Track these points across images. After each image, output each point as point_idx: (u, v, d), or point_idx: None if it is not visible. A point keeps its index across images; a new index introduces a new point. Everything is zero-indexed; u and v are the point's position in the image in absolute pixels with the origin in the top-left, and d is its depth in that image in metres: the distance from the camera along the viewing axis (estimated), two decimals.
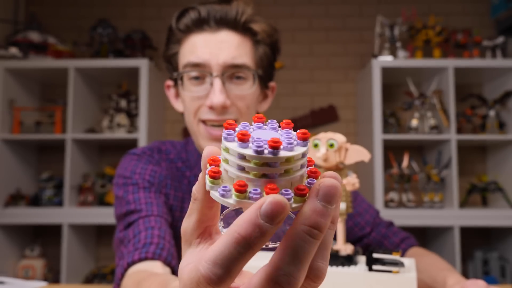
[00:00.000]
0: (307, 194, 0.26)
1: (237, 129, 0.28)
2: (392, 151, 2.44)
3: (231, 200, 0.26)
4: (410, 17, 2.47)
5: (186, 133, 2.65)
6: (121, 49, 2.57)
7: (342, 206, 0.66)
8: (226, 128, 0.28)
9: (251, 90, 0.85)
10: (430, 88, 2.41)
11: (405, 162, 2.38)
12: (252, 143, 0.26)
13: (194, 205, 0.31)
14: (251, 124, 0.29)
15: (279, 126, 0.29)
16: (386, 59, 2.37)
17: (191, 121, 0.86)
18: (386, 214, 2.18)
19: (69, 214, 2.29)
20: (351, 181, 0.65)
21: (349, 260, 0.65)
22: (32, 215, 2.31)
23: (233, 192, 0.26)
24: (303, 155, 0.27)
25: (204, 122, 0.85)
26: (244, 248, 0.24)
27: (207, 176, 0.27)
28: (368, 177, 2.36)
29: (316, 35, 2.79)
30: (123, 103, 2.49)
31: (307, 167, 0.28)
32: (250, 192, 0.26)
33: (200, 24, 0.83)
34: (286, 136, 0.27)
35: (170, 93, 0.96)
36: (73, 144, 2.37)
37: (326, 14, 2.81)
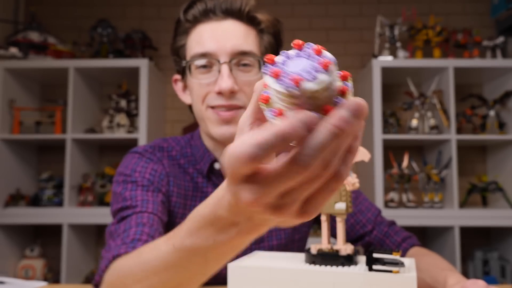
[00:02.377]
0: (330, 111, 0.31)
1: (276, 60, 0.33)
2: (392, 151, 2.44)
3: (275, 121, 0.33)
4: (410, 17, 2.47)
5: (186, 133, 2.65)
6: (121, 49, 2.57)
7: (342, 206, 0.66)
8: (269, 61, 0.33)
9: (257, 77, 0.87)
10: (430, 88, 2.41)
11: (405, 162, 2.38)
12: (281, 80, 0.31)
13: (253, 97, 0.37)
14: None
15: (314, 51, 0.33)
16: (386, 59, 2.37)
17: (200, 108, 0.88)
18: (386, 214, 2.18)
19: (69, 214, 2.29)
20: (351, 181, 0.65)
21: (349, 260, 0.65)
22: (32, 215, 2.31)
23: (276, 117, 0.33)
24: (325, 84, 0.31)
25: (212, 107, 0.86)
26: (279, 139, 0.30)
27: (260, 100, 0.34)
28: (368, 177, 2.36)
29: (316, 35, 2.79)
30: (123, 103, 2.49)
31: (339, 81, 0.33)
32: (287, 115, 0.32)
33: (206, 14, 0.86)
34: (311, 64, 0.31)
35: (178, 87, 0.97)
36: (73, 144, 2.37)
37: (326, 14, 2.81)
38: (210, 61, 0.85)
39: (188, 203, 0.92)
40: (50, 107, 2.58)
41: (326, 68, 0.31)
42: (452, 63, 2.32)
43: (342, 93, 0.33)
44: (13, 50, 2.36)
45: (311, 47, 0.33)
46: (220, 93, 0.84)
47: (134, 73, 2.43)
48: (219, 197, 0.40)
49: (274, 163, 0.32)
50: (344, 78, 0.33)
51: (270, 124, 0.32)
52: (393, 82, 2.66)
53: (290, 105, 0.32)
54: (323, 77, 0.31)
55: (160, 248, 0.51)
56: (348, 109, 0.30)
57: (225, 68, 0.84)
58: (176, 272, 0.50)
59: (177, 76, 0.97)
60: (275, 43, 0.94)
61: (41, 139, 2.46)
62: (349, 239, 1.01)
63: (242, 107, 0.86)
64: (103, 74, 2.57)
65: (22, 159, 2.56)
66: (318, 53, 0.32)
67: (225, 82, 0.83)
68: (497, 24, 2.67)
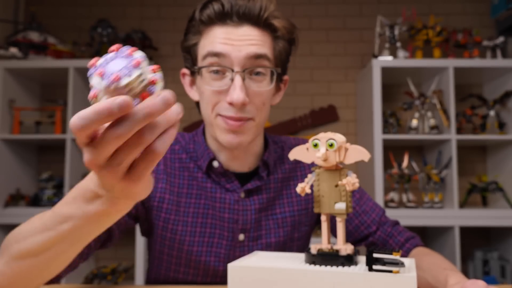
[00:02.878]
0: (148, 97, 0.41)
1: (97, 63, 0.41)
2: (392, 151, 2.44)
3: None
4: (410, 17, 2.47)
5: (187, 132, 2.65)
6: None
7: (342, 206, 0.66)
8: (91, 65, 0.41)
9: (269, 87, 0.87)
10: (430, 88, 2.41)
11: (405, 162, 2.38)
12: (105, 78, 0.40)
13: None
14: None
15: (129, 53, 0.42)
16: (386, 59, 2.37)
17: (209, 114, 0.87)
18: (386, 214, 2.18)
19: None
20: (351, 181, 0.65)
21: (349, 260, 0.65)
22: (32, 215, 2.29)
23: None
24: (138, 77, 0.40)
25: (220, 115, 0.86)
26: (97, 115, 0.39)
27: (90, 97, 0.42)
28: (368, 177, 2.36)
29: (316, 35, 2.79)
30: None
31: (151, 73, 0.42)
32: None
33: (223, 17, 0.84)
34: (127, 64, 0.40)
35: (185, 81, 0.96)
36: (73, 144, 2.37)
37: (326, 14, 2.81)
38: (223, 68, 0.83)
39: (183, 200, 0.92)
40: (50, 107, 2.58)
41: (137, 65, 0.40)
42: (452, 63, 2.32)
43: (153, 83, 0.42)
44: (13, 50, 2.36)
45: (126, 50, 0.41)
46: (231, 104, 0.83)
47: None
48: (91, 173, 0.50)
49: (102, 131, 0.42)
50: (154, 71, 0.42)
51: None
52: (393, 82, 2.66)
53: (112, 96, 0.39)
54: (136, 72, 0.40)
55: (45, 215, 0.60)
56: (160, 96, 0.40)
57: (238, 79, 0.82)
58: (47, 235, 0.57)
59: (185, 71, 0.95)
60: (288, 48, 0.92)
61: (41, 139, 2.46)
62: (353, 239, 1.01)
63: (250, 119, 0.85)
64: None
65: (22, 159, 2.56)
66: (130, 54, 0.41)
67: (237, 94, 0.81)
68: (497, 24, 2.68)
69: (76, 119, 0.40)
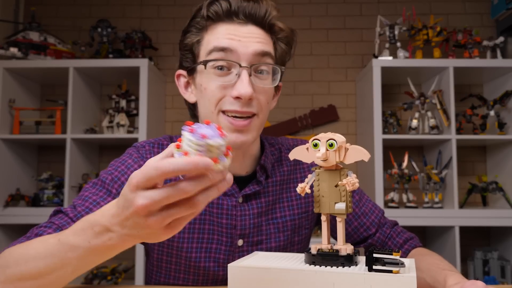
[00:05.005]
0: (217, 163, 0.50)
1: (193, 125, 0.51)
2: (392, 151, 2.44)
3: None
4: (410, 17, 2.47)
5: None
6: (121, 49, 2.57)
7: (342, 206, 0.66)
8: (187, 124, 0.51)
9: (271, 86, 0.87)
10: (430, 88, 2.41)
11: (405, 162, 2.38)
12: (195, 134, 0.49)
13: (164, 152, 0.52)
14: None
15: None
16: (386, 59, 2.37)
17: (211, 111, 0.85)
18: (386, 214, 2.18)
19: None
20: (351, 181, 0.65)
21: (349, 260, 0.65)
22: (32, 215, 2.31)
23: (183, 155, 0.49)
24: (219, 145, 0.50)
25: (223, 112, 0.84)
26: (188, 166, 0.47)
27: (174, 146, 0.51)
28: (368, 177, 2.36)
29: (316, 35, 2.79)
30: (123, 103, 2.49)
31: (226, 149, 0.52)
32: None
33: (229, 15, 0.85)
34: (215, 133, 0.50)
35: (180, 82, 0.94)
36: (73, 144, 2.37)
37: (326, 14, 2.81)
38: (229, 63, 0.83)
39: None
40: (50, 107, 2.58)
41: (222, 136, 0.50)
42: (452, 63, 2.32)
43: (226, 155, 0.51)
44: (13, 50, 2.36)
45: (215, 126, 0.52)
46: (237, 98, 0.82)
47: (134, 73, 2.43)
48: (105, 209, 0.55)
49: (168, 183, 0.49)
50: (228, 148, 0.52)
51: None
52: (393, 82, 2.66)
53: (194, 150, 0.49)
54: (219, 140, 0.50)
55: (48, 240, 0.63)
56: (225, 173, 0.51)
57: (245, 74, 0.82)
58: (51, 261, 0.61)
59: (181, 72, 0.93)
60: (288, 53, 0.93)
61: (41, 139, 2.46)
62: (352, 241, 1.01)
63: (255, 114, 0.85)
64: (103, 74, 2.57)
65: (22, 159, 2.56)
66: (219, 129, 0.51)
67: (245, 88, 0.81)
68: (497, 24, 2.67)
69: (168, 165, 0.46)
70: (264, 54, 0.85)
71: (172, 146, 0.51)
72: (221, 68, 0.83)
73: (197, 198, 0.49)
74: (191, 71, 0.89)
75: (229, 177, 0.51)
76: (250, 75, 0.83)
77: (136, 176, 0.48)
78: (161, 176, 0.47)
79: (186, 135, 0.50)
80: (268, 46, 0.86)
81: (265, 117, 0.89)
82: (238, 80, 0.82)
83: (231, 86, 0.83)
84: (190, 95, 0.92)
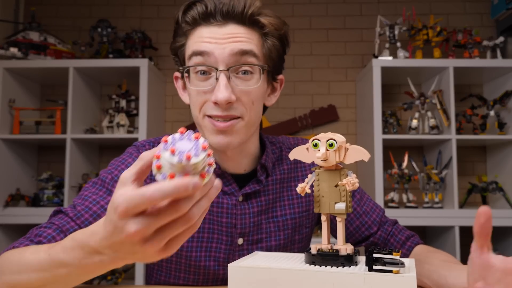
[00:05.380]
0: (205, 178, 0.49)
1: (168, 140, 0.48)
2: (392, 151, 2.44)
3: (166, 180, 0.47)
4: (410, 17, 2.47)
5: None
6: (121, 49, 2.57)
7: (342, 206, 0.66)
8: (164, 141, 0.48)
9: (257, 85, 0.84)
10: (430, 88, 2.41)
11: (405, 162, 2.38)
12: (176, 155, 0.46)
13: (138, 163, 0.50)
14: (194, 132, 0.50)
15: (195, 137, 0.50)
16: (386, 59, 2.37)
17: (197, 115, 0.86)
18: (386, 214, 2.18)
19: None
20: (351, 181, 0.65)
21: (349, 260, 0.65)
22: (32, 215, 2.31)
23: (169, 179, 0.46)
24: (204, 159, 0.48)
25: (209, 116, 0.84)
26: (176, 190, 0.45)
27: (153, 167, 0.48)
28: (368, 177, 2.36)
29: (316, 35, 2.79)
30: (123, 103, 2.49)
31: (207, 157, 0.50)
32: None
33: (207, 18, 0.83)
34: (195, 146, 0.48)
35: (178, 84, 0.95)
36: (73, 144, 2.37)
37: (326, 14, 2.81)
38: (208, 68, 0.82)
39: None
40: (50, 107, 2.58)
41: (204, 148, 0.48)
42: (452, 63, 2.32)
43: (210, 165, 0.50)
44: (13, 50, 2.36)
45: (191, 133, 0.49)
46: (216, 103, 0.81)
47: (134, 73, 2.43)
48: (94, 231, 0.53)
49: (159, 205, 0.47)
50: (209, 155, 0.50)
51: (162, 181, 0.46)
52: (393, 82, 2.66)
53: (180, 172, 0.47)
54: (202, 154, 0.48)
55: (40, 254, 0.62)
56: (214, 184, 0.50)
57: (222, 78, 0.80)
58: (43, 275, 0.61)
59: (178, 74, 0.93)
60: (280, 46, 0.89)
61: (41, 139, 2.46)
62: (354, 240, 1.01)
63: (239, 117, 0.83)
64: (103, 74, 2.57)
65: (22, 159, 2.56)
66: (197, 138, 0.49)
67: (222, 93, 0.79)
68: (497, 24, 2.67)
69: (156, 192, 0.44)
70: (243, 53, 0.82)
71: (144, 160, 0.49)
72: (203, 72, 0.83)
73: (192, 211, 0.47)
74: (182, 75, 0.90)
75: (217, 183, 0.50)
76: (229, 78, 0.81)
77: (122, 204, 0.46)
78: (149, 204, 0.45)
79: (166, 156, 0.47)
80: (249, 44, 0.83)
81: (254, 117, 0.86)
82: (216, 85, 0.81)
83: (211, 91, 0.82)
84: (186, 97, 0.93)
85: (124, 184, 0.49)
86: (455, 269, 0.75)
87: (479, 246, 0.57)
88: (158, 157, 0.48)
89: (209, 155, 0.50)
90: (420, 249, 0.95)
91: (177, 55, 0.91)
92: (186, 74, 0.86)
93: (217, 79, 0.81)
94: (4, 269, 0.68)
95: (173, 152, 0.46)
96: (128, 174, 0.49)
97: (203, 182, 0.48)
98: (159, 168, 0.47)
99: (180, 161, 0.46)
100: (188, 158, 0.46)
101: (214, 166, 0.51)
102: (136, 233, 0.46)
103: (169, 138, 0.48)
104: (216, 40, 0.81)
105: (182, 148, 0.47)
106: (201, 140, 0.49)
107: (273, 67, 0.89)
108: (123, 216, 0.46)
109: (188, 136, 0.49)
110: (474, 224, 0.56)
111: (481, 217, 0.55)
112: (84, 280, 0.61)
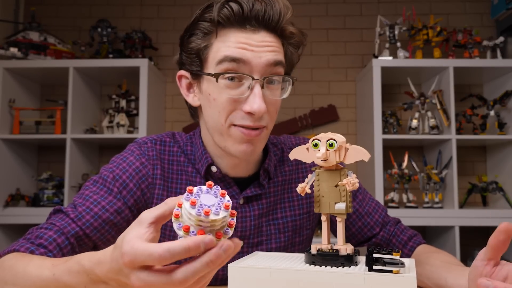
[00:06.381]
0: (221, 238, 0.47)
1: (193, 191, 0.48)
2: (392, 151, 2.44)
3: (181, 233, 0.47)
4: (410, 17, 2.47)
5: (186, 133, 2.65)
6: (121, 49, 2.57)
7: (342, 206, 0.66)
8: (189, 191, 0.48)
9: (285, 96, 0.86)
10: (430, 88, 2.41)
11: (405, 162, 2.38)
12: (196, 207, 0.46)
13: (162, 207, 0.50)
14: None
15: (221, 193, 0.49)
16: (386, 59, 2.37)
17: (221, 123, 0.82)
18: None
19: None
20: (351, 181, 0.64)
21: (349, 260, 0.65)
22: (32, 215, 2.31)
23: (183, 230, 0.46)
24: (223, 218, 0.47)
25: (236, 125, 0.82)
26: (185, 251, 0.45)
27: (173, 213, 0.48)
28: (368, 177, 2.36)
29: (316, 35, 2.79)
30: (123, 103, 2.49)
31: (230, 217, 0.49)
32: (191, 232, 0.46)
33: (241, 21, 0.79)
34: (218, 203, 0.47)
35: (182, 84, 0.90)
36: (73, 144, 2.37)
37: (326, 14, 2.81)
38: (240, 76, 0.79)
39: None
40: (50, 107, 2.58)
41: (226, 208, 0.47)
42: (452, 63, 2.32)
43: (230, 226, 0.49)
44: (13, 50, 2.36)
45: (218, 190, 0.49)
46: (249, 113, 0.79)
47: (134, 73, 2.43)
48: (101, 260, 0.52)
49: (166, 266, 0.46)
50: (232, 215, 0.49)
51: (178, 237, 0.46)
52: (393, 82, 2.66)
53: (196, 225, 0.46)
54: (223, 213, 0.46)
55: (44, 271, 0.62)
56: (222, 249, 0.46)
57: (258, 88, 0.79)
58: None
59: (184, 73, 0.88)
60: (297, 56, 0.90)
61: (41, 139, 2.46)
62: (356, 241, 1.00)
63: (265, 127, 0.83)
64: (103, 74, 2.57)
65: (22, 159, 2.56)
66: (223, 195, 0.48)
67: (259, 104, 0.78)
68: (497, 24, 2.67)
69: (166, 254, 0.44)
70: (277, 63, 0.81)
71: (168, 206, 0.49)
72: (231, 78, 0.79)
73: (204, 277, 0.48)
74: (197, 76, 0.85)
75: (237, 241, 0.48)
76: (262, 87, 0.80)
77: (129, 255, 0.46)
78: (157, 262, 0.45)
79: (186, 207, 0.46)
80: (280, 54, 0.82)
81: (272, 126, 0.88)
82: (251, 94, 0.79)
83: (244, 100, 0.80)
84: (193, 99, 0.88)
85: (140, 224, 0.49)
86: (455, 270, 0.75)
87: (488, 258, 0.57)
88: (180, 206, 0.48)
89: (232, 215, 0.49)
90: (422, 249, 0.94)
91: (195, 55, 0.84)
92: (205, 80, 0.83)
93: (250, 88, 0.79)
94: (8, 278, 0.68)
95: (193, 204, 0.46)
96: (149, 215, 0.49)
97: (219, 241, 0.46)
98: (177, 216, 0.48)
99: (198, 215, 0.45)
100: (207, 214, 0.45)
101: (233, 228, 0.49)
102: (140, 286, 0.46)
103: (195, 189, 0.48)
104: (253, 48, 0.79)
105: (204, 202, 0.46)
106: (226, 198, 0.48)
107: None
108: (128, 266, 0.46)
109: (214, 191, 0.48)
110: (493, 237, 0.56)
111: (502, 234, 0.55)
112: None
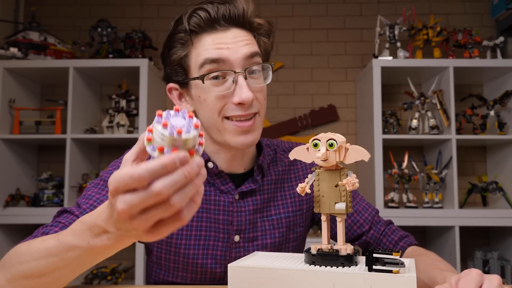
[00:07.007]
0: (194, 155, 0.49)
1: (163, 115, 0.49)
2: (392, 151, 2.44)
3: (155, 154, 0.48)
4: (410, 17, 2.47)
5: None
6: (121, 49, 2.57)
7: (342, 206, 0.66)
8: (158, 115, 0.49)
9: (269, 82, 0.91)
10: (430, 88, 2.41)
11: (405, 162, 2.38)
12: (168, 128, 0.47)
13: (138, 143, 0.52)
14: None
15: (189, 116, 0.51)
16: (386, 59, 2.37)
17: (215, 119, 0.87)
18: (386, 214, 2.18)
19: None
20: (351, 181, 0.65)
21: (349, 260, 0.65)
22: (32, 215, 2.31)
23: (157, 150, 0.48)
24: (195, 137, 0.49)
25: (228, 118, 0.87)
26: (162, 168, 0.46)
27: (145, 139, 0.49)
28: (368, 177, 2.36)
29: (316, 35, 2.79)
30: (123, 103, 2.49)
31: (198, 137, 0.51)
32: (166, 152, 0.48)
33: (211, 24, 0.86)
34: (188, 123, 0.49)
35: (173, 95, 0.95)
36: (73, 144, 2.37)
37: (326, 14, 2.81)
38: (224, 73, 0.85)
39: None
40: (50, 107, 2.58)
41: (196, 127, 0.49)
42: (452, 63, 2.32)
43: (201, 144, 0.51)
44: (13, 50, 2.36)
45: (186, 112, 0.50)
46: (239, 104, 0.84)
47: (134, 73, 2.43)
48: (100, 211, 0.56)
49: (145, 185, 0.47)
50: (201, 135, 0.51)
51: (153, 158, 0.47)
52: (393, 82, 2.66)
53: (169, 145, 0.48)
54: (194, 132, 0.49)
55: (48, 240, 0.64)
56: (196, 163, 0.47)
57: (242, 79, 0.84)
58: (52, 260, 0.63)
59: (173, 85, 0.94)
60: (269, 43, 0.95)
61: (41, 139, 2.46)
62: (346, 239, 1.02)
63: (257, 113, 0.88)
64: (103, 74, 2.57)
65: (22, 159, 2.56)
66: (191, 117, 0.50)
67: (246, 93, 0.83)
68: (497, 24, 2.67)
69: (144, 172, 0.45)
70: (253, 55, 0.86)
71: (143, 140, 0.50)
72: (216, 77, 0.85)
73: (173, 200, 0.47)
74: (184, 84, 0.91)
75: (203, 171, 0.49)
76: (245, 78, 0.85)
77: (113, 183, 0.47)
78: (138, 183, 0.46)
79: (159, 129, 0.48)
80: (254, 46, 0.88)
81: (264, 112, 0.92)
82: (236, 87, 0.84)
83: (231, 93, 0.85)
84: (186, 106, 0.94)
85: (125, 165, 0.52)
86: (438, 275, 0.77)
87: None
88: (150, 131, 0.49)
89: (200, 135, 0.51)
90: (411, 251, 0.96)
91: (178, 65, 0.90)
92: (193, 86, 0.88)
93: (234, 81, 0.85)
94: (13, 261, 0.69)
95: (165, 126, 0.47)
96: (129, 155, 0.52)
97: (191, 158, 0.48)
98: (149, 140, 0.49)
99: (171, 135, 0.47)
100: (179, 133, 0.47)
101: (203, 146, 0.52)
102: (123, 210, 0.47)
103: (164, 113, 0.50)
104: (228, 46, 0.85)
105: (174, 123, 0.48)
106: (194, 119, 0.50)
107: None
108: (113, 193, 0.48)
109: (182, 114, 0.50)
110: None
111: None
112: (93, 263, 0.63)
